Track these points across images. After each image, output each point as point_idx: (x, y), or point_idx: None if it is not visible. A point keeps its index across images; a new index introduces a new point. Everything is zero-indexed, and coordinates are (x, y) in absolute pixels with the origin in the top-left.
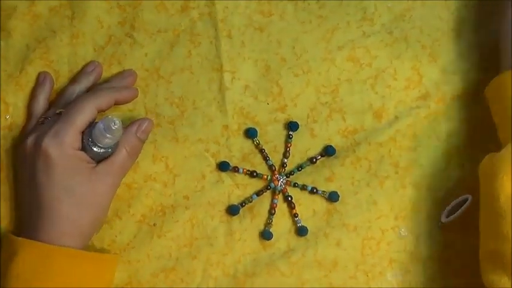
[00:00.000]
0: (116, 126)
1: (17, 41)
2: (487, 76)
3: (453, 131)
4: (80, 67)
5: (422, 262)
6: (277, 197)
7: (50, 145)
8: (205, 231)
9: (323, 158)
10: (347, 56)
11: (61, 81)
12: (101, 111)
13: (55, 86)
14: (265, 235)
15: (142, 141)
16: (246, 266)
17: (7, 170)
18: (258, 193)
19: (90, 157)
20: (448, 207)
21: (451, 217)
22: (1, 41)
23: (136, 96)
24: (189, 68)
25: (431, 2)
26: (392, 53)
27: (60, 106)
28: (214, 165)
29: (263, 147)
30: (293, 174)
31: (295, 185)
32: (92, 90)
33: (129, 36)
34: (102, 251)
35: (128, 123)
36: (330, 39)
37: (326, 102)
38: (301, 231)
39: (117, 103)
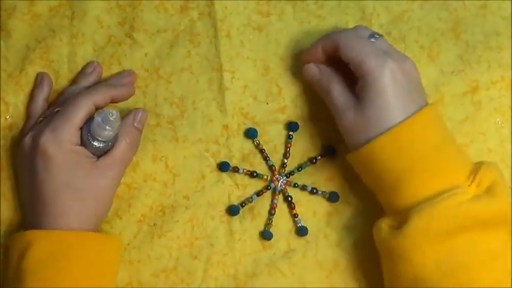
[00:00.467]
0: (113, 117)
1: (17, 41)
2: (486, 76)
3: (451, 131)
4: (79, 67)
5: None
6: (277, 197)
7: (48, 141)
8: (205, 232)
9: (323, 158)
10: None
11: (61, 81)
12: (98, 107)
13: (55, 86)
14: (266, 235)
15: (140, 131)
16: (247, 266)
17: (7, 170)
18: (258, 193)
19: (91, 152)
20: None
21: None
22: (1, 41)
23: (133, 94)
24: (188, 68)
25: (430, 2)
26: None
27: (58, 106)
28: (214, 165)
29: (263, 148)
30: (293, 174)
31: (295, 185)
32: (89, 87)
33: (129, 37)
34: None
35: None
36: None
37: (326, 103)
38: (301, 232)
39: (114, 100)
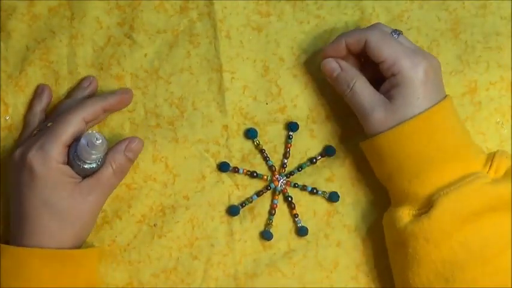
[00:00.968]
0: (98, 142)
1: (17, 42)
2: (485, 76)
3: None
4: (79, 68)
5: None
6: (277, 197)
7: (34, 158)
8: (205, 232)
9: (323, 159)
10: None
11: (60, 81)
12: (89, 122)
13: (54, 87)
14: (266, 235)
15: (131, 161)
16: (247, 266)
17: (6, 170)
18: (258, 193)
19: (76, 172)
20: None
21: None
22: (1, 42)
23: (128, 102)
24: (188, 68)
25: (429, 2)
26: None
27: (52, 120)
28: (214, 165)
29: (263, 148)
30: (293, 174)
31: (295, 186)
32: (78, 101)
33: (129, 37)
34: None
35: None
36: (328, 39)
37: (325, 103)
38: (301, 232)
39: (107, 111)
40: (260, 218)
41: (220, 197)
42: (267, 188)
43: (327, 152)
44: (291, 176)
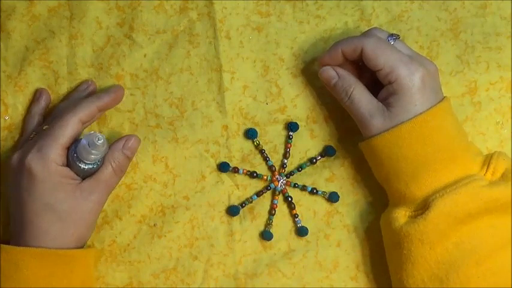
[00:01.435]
0: (99, 142)
1: (16, 42)
2: (485, 77)
3: None
4: (79, 68)
5: None
6: (277, 197)
7: (33, 161)
8: (205, 232)
9: (323, 159)
10: None
11: (60, 82)
12: (85, 122)
13: (54, 87)
14: (266, 236)
15: (129, 158)
16: (247, 266)
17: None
18: (258, 194)
19: (75, 173)
20: None
21: None
22: (0, 42)
23: (121, 99)
24: (188, 68)
25: (429, 2)
26: None
27: (49, 123)
28: (214, 165)
29: (263, 148)
30: (293, 174)
31: (295, 186)
32: (73, 103)
33: (128, 37)
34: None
35: (117, 137)
36: (328, 39)
37: (325, 103)
38: (301, 232)
39: (101, 110)
40: (260, 218)
41: (220, 197)
42: (267, 188)
43: (327, 152)
44: (291, 176)
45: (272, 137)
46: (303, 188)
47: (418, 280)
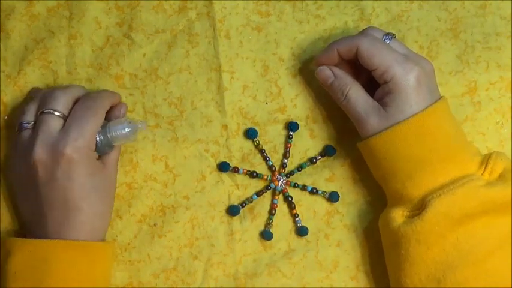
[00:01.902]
0: (143, 128)
1: (15, 42)
2: (485, 77)
3: None
4: (78, 68)
5: None
6: (277, 197)
7: (74, 151)
8: (205, 232)
9: (323, 158)
10: None
11: (59, 82)
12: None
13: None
14: (266, 235)
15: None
16: (247, 266)
17: (5, 171)
18: (258, 193)
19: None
20: None
21: None
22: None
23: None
24: (187, 68)
25: (429, 2)
26: None
27: (38, 102)
28: (214, 165)
29: (263, 148)
30: (293, 174)
31: (295, 186)
32: (92, 94)
33: (127, 37)
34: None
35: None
36: (328, 39)
37: (325, 103)
38: (301, 232)
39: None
40: (260, 218)
41: (220, 197)
42: (267, 188)
43: (327, 152)
44: (291, 176)
45: (272, 137)
46: (303, 187)
47: (416, 280)
